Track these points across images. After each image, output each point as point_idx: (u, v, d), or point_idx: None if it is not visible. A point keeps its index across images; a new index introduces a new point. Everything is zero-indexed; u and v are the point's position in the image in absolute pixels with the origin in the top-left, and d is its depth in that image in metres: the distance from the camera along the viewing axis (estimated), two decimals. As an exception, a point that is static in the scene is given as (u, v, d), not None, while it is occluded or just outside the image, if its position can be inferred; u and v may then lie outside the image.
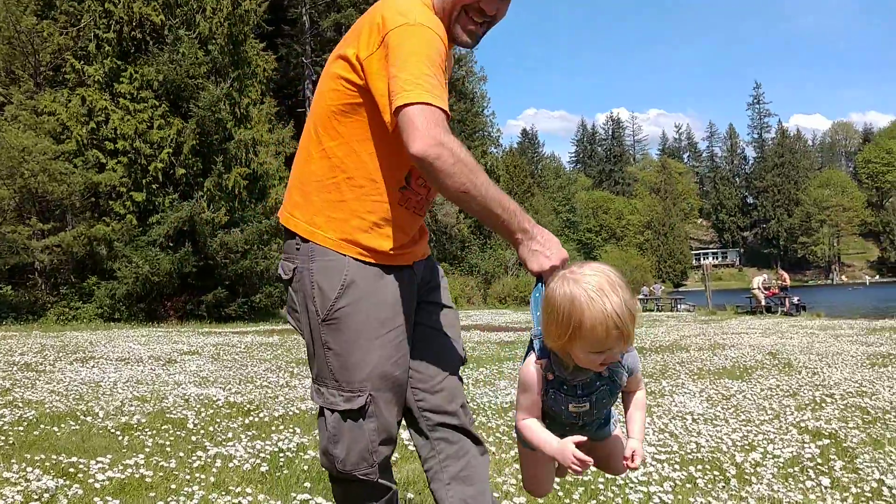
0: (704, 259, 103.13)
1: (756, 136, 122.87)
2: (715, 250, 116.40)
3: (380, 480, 2.06)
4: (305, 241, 2.03)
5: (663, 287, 44.01)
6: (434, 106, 1.78)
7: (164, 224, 23.03)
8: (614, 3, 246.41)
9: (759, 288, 27.05)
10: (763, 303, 26.49)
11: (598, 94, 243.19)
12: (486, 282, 43.93)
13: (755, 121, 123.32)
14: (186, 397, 6.26)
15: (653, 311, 33.23)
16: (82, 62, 23.99)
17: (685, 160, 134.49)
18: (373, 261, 2.02)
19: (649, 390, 6.71)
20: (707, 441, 4.41)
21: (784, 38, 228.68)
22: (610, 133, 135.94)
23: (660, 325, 19.73)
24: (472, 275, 44.18)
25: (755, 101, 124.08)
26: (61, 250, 23.08)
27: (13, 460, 3.92)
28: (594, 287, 1.62)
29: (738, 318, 22.94)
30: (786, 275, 28.82)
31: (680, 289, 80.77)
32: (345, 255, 2.00)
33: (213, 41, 24.52)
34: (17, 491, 3.30)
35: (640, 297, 37.78)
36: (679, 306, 34.11)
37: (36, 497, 3.22)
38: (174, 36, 23.84)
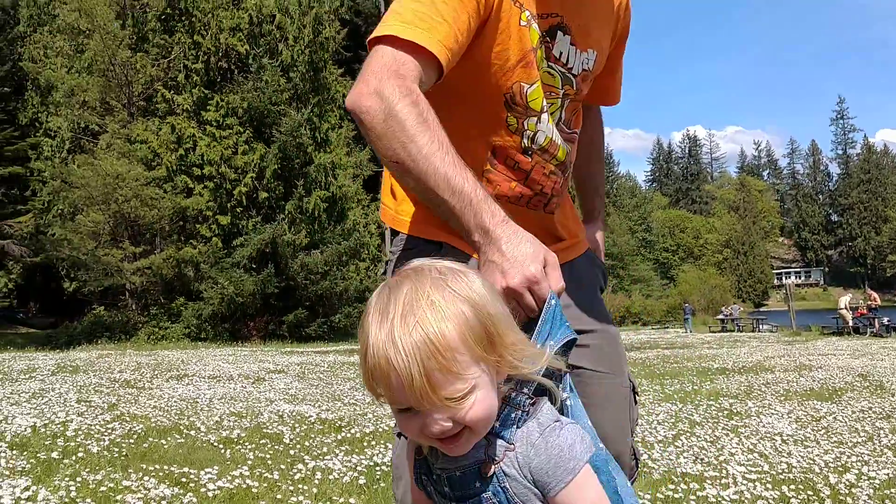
0: (787, 278, 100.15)
1: (840, 151, 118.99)
2: (797, 269, 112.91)
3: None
4: (396, 232, 1.67)
5: (742, 308, 42.93)
6: (402, 40, 1.32)
7: (248, 246, 23.81)
8: (690, 19, 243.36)
9: (846, 308, 26.18)
10: (851, 323, 25.61)
11: (673, 111, 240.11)
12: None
13: (839, 136, 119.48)
14: (280, 413, 6.52)
15: (733, 331, 32.48)
16: (172, 92, 25.13)
17: (765, 178, 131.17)
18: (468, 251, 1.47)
19: (735, 410, 6.66)
20: (798, 462, 4.39)
21: (868, 50, 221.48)
22: (686, 151, 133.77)
23: (741, 346, 19.32)
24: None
25: (839, 116, 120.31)
26: (151, 272, 24.10)
27: (130, 470, 4.20)
28: (386, 301, 1.03)
29: (824, 339, 22.24)
30: (875, 294, 27.81)
31: (761, 309, 78.54)
32: (430, 242, 1.58)
33: (295, 69, 25.36)
34: (139, 498, 3.55)
35: (720, 317, 36.97)
36: (761, 326, 33.25)
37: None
38: (258, 64, 24.77)
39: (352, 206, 28.62)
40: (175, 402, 7.33)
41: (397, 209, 1.65)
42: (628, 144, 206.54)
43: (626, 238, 75.66)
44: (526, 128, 1.57)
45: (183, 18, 25.32)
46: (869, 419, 6.06)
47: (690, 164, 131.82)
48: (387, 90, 1.26)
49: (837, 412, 6.47)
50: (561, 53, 1.58)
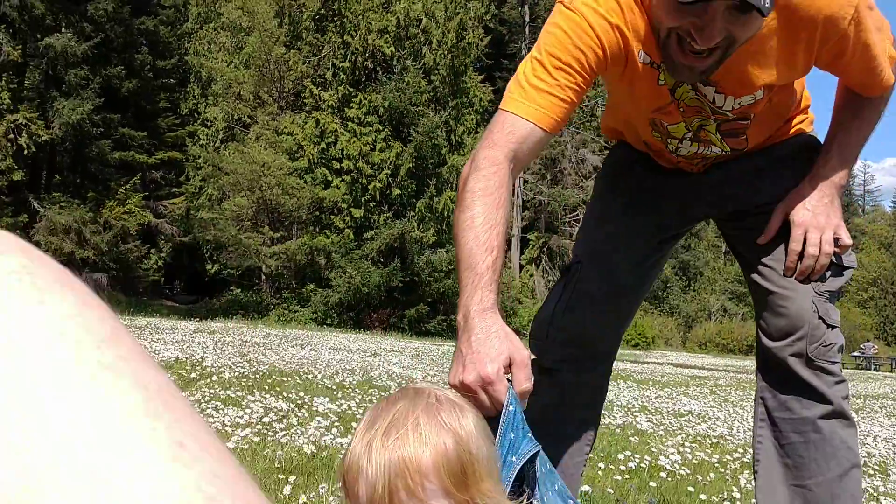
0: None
1: None
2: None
3: (552, 367, 1.79)
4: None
5: (876, 346, 40.37)
6: (505, 111, 1.55)
7: (378, 240, 24.74)
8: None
9: None
10: None
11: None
12: (687, 325, 42.64)
13: None
14: (390, 373, 7.02)
15: (868, 370, 30.77)
16: (319, 88, 26.50)
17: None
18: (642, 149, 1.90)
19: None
20: (881, 452, 4.44)
21: None
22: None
23: (872, 381, 18.46)
24: (672, 316, 43.08)
25: None
26: (286, 257, 25.46)
27: (255, 390, 4.76)
28: (377, 413, 1.06)
29: (968, 385, 20.85)
30: None
31: (907, 354, 73.32)
32: (620, 145, 1.98)
33: (436, 72, 26.17)
34: (261, 406, 4.08)
35: (854, 354, 35.06)
36: (901, 368, 31.32)
37: (273, 412, 3.98)
38: (401, 66, 25.73)
39: (480, 210, 29.15)
40: (297, 358, 7.99)
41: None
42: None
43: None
44: (668, 144, 1.79)
45: (335, 19, 26.67)
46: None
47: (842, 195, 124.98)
48: (478, 157, 1.51)
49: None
50: (705, 95, 1.66)
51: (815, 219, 1.64)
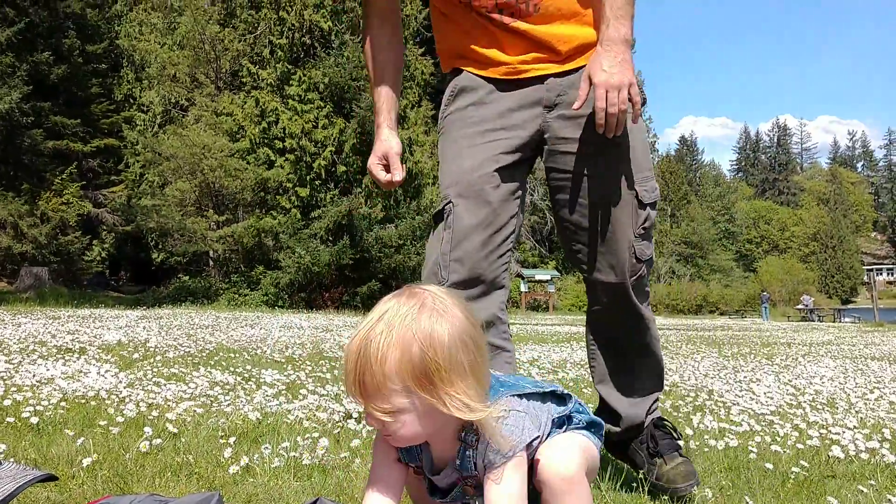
0: (878, 275, 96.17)
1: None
2: (890, 266, 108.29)
3: None
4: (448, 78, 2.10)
5: (813, 298, 41.69)
6: None
7: (325, 218, 24.47)
8: (783, 7, 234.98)
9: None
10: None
11: (763, 101, 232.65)
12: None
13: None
14: (341, 345, 6.94)
15: (813, 321, 31.68)
16: (257, 67, 25.98)
17: (858, 169, 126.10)
18: (482, 73, 1.97)
19: (784, 365, 6.73)
20: (828, 390, 4.53)
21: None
22: (775, 141, 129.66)
23: (817, 331, 18.96)
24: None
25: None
26: (233, 241, 25.06)
27: (200, 367, 4.64)
28: (374, 309, 1.26)
29: (906, 330, 21.58)
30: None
31: (848, 306, 75.83)
32: (461, 70, 2.01)
33: (375, 45, 25.86)
34: (206, 381, 3.97)
35: (799, 307, 36.09)
36: (843, 318, 32.34)
37: (219, 385, 3.87)
38: (340, 41, 25.35)
39: (428, 183, 28.99)
40: (247, 337, 7.85)
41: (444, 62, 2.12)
42: (714, 132, 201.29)
43: (706, 227, 74.00)
44: None
45: (269, -5, 26.15)
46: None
47: (779, 153, 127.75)
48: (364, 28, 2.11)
49: (889, 367, 6.50)
50: None
51: (611, 79, 1.78)
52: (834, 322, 31.21)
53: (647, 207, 1.95)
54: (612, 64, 1.79)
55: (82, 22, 31.33)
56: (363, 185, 25.34)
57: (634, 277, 1.98)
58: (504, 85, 1.96)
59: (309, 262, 23.81)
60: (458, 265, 1.87)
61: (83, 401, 3.21)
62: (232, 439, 2.40)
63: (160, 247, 27.72)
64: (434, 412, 1.20)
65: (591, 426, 1.46)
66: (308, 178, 25.17)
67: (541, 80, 1.94)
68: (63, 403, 3.06)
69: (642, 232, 1.95)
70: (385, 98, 2.07)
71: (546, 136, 1.97)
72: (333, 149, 25.07)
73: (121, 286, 34.93)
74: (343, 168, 25.24)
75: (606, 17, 1.83)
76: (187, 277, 27.58)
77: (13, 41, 26.20)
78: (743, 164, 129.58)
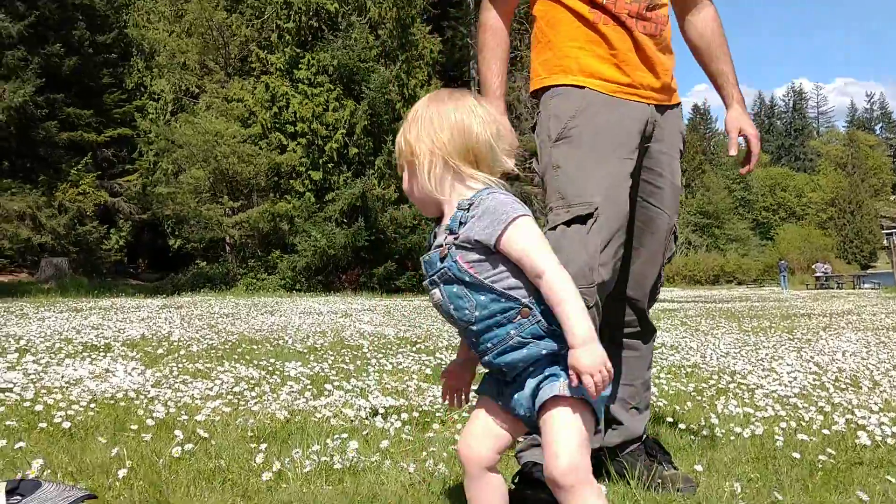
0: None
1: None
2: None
3: (594, 310, 1.97)
4: (544, 90, 2.20)
5: (827, 265, 41.37)
6: None
7: (339, 201, 24.51)
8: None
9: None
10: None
11: (777, 64, 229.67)
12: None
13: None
14: (362, 332, 6.98)
15: (832, 288, 31.48)
16: (266, 52, 25.94)
17: (877, 132, 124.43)
18: (605, 91, 2.13)
19: (806, 339, 6.71)
20: (850, 367, 4.51)
21: None
22: (791, 105, 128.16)
23: (837, 300, 18.85)
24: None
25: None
26: (249, 226, 25.17)
27: (225, 361, 4.69)
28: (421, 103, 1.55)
29: (928, 295, 21.43)
30: None
31: (868, 270, 75.23)
32: (583, 87, 2.13)
33: (383, 26, 25.71)
34: (231, 376, 4.01)
35: (817, 275, 35.82)
36: (863, 284, 32.10)
37: (244, 381, 3.92)
38: (347, 22, 25.23)
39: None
40: (267, 325, 7.91)
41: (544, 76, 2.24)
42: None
43: (722, 196, 73.45)
44: None
45: (275, -22, 26.00)
46: (941, 342, 6.05)
47: (795, 118, 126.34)
48: (480, 16, 2.30)
49: (911, 339, 6.47)
50: None
51: (755, 129, 2.31)
52: (854, 289, 31.00)
53: (676, 240, 2.31)
54: (748, 119, 2.33)
55: (91, 12, 31.32)
56: (376, 167, 25.34)
57: (653, 301, 2.31)
58: (619, 105, 2.14)
59: (325, 244, 23.90)
60: (603, 269, 2.00)
61: (112, 401, 3.26)
62: (262, 444, 2.44)
63: (177, 234, 27.88)
64: (416, 175, 1.47)
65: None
66: (321, 161, 25.19)
67: (646, 105, 2.18)
68: (93, 405, 3.11)
69: (666, 262, 2.30)
70: (502, 86, 2.26)
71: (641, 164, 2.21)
72: (345, 131, 25.04)
73: (140, 274, 35.17)
74: (355, 150, 25.22)
75: (730, 80, 2.35)
76: (205, 264, 27.74)
77: (25, 35, 26.27)
78: (759, 130, 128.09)
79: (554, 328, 1.38)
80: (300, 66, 25.24)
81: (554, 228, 2.02)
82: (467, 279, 1.40)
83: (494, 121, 1.48)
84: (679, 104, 2.33)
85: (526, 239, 1.37)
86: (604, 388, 1.32)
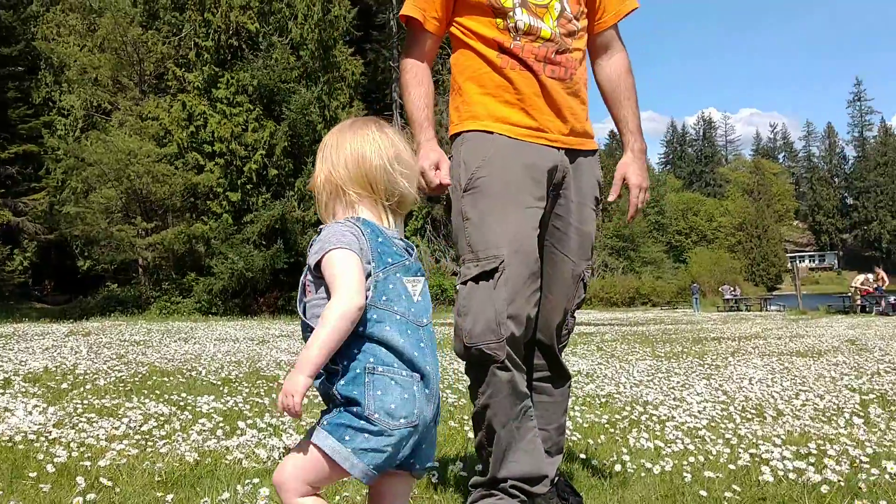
0: (800, 262, 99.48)
1: (857, 134, 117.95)
2: (812, 253, 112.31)
3: (506, 362, 2.03)
4: (457, 135, 2.26)
5: (734, 288, 43.10)
6: (403, 16, 2.28)
7: (258, 223, 24.14)
8: (705, 2, 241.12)
9: (858, 286, 26.29)
10: (859, 302, 25.72)
11: (687, 94, 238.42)
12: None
13: (856, 119, 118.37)
14: (278, 362, 6.85)
15: (741, 310, 32.63)
16: (183, 69, 25.44)
17: (780, 160, 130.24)
18: (512, 135, 2.17)
19: (715, 365, 6.92)
20: (756, 395, 4.67)
21: (886, 34, 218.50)
22: (701, 133, 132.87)
23: (745, 322, 19.52)
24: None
25: (856, 98, 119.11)
26: (163, 248, 24.50)
27: (133, 396, 4.53)
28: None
29: (829, 317, 22.41)
30: (884, 274, 27.80)
31: (774, 293, 78.31)
32: (490, 133, 2.18)
33: (305, 47, 25.56)
34: (140, 413, 3.87)
35: (727, 297, 37.09)
36: (769, 306, 33.39)
37: (154, 418, 3.78)
38: (268, 42, 25.00)
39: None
40: (180, 355, 7.68)
41: (458, 123, 2.29)
42: (642, 127, 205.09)
43: (637, 220, 75.32)
44: (505, 18, 2.17)
45: (194, -4, 25.55)
46: (839, 369, 6.32)
47: (705, 146, 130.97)
48: (402, 63, 2.30)
49: (812, 364, 6.74)
50: None
51: (643, 183, 2.37)
52: (761, 311, 32.19)
53: (586, 290, 2.33)
54: (642, 170, 2.38)
55: (-4, 24, 30.15)
56: (295, 188, 25.08)
57: (561, 345, 2.34)
58: (527, 149, 2.17)
59: (242, 267, 23.47)
60: (512, 322, 2.03)
61: (10, 444, 3.10)
62: (170, 494, 2.35)
63: (86, 255, 26.89)
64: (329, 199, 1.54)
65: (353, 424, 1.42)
66: (239, 182, 24.77)
67: (557, 149, 2.21)
68: (-12, 449, 2.95)
69: (575, 308, 2.32)
70: (429, 117, 2.25)
71: (548, 209, 2.24)
72: (264, 152, 24.72)
73: (45, 296, 33.83)
74: (275, 171, 24.92)
75: (633, 130, 2.42)
76: (116, 286, 26.84)
77: (-78, 45, 25.07)
78: (671, 156, 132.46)
79: (335, 367, 1.42)
80: (219, 84, 24.83)
81: (465, 283, 2.07)
82: (304, 298, 1.49)
83: (393, 146, 1.52)
84: (595, 151, 2.36)
85: (332, 269, 1.40)
86: (285, 413, 1.38)
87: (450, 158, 2.24)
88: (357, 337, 1.40)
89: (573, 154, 2.25)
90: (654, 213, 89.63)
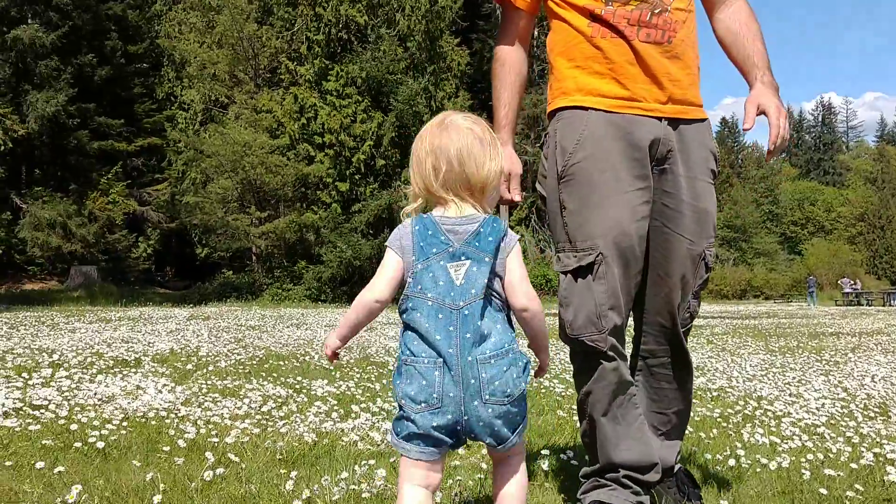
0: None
1: None
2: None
3: (609, 352, 2.03)
4: (552, 114, 2.17)
5: (854, 281, 40.87)
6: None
7: (366, 212, 24.66)
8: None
9: None
10: None
11: (806, 78, 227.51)
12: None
13: None
14: (387, 348, 7.02)
15: (862, 305, 31.06)
16: (295, 63, 26.23)
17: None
18: (604, 108, 2.07)
19: (834, 361, 6.65)
20: (880, 393, 4.47)
21: None
22: (820, 119, 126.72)
23: (866, 317, 18.61)
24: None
25: None
26: (275, 236, 25.37)
27: (252, 378, 4.75)
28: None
29: (960, 314, 21.08)
30: None
31: (898, 287, 74.02)
32: (584, 108, 2.08)
33: (412, 38, 25.89)
34: (259, 395, 4.06)
35: (846, 290, 35.35)
36: (893, 301, 31.65)
37: (272, 399, 3.96)
38: (376, 35, 25.44)
39: (466, 174, 29.05)
40: (293, 340, 7.97)
41: (552, 98, 2.22)
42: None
43: (750, 210, 72.71)
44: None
45: (305, -9, 26.29)
46: (973, 368, 5.96)
47: (824, 132, 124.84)
48: (494, 52, 2.28)
49: (943, 363, 6.38)
50: None
51: (782, 109, 2.08)
52: (884, 306, 30.57)
53: (708, 271, 2.17)
54: (777, 101, 2.10)
55: (124, 23, 31.83)
56: (403, 178, 25.47)
57: (684, 329, 2.18)
58: (624, 122, 2.06)
59: (350, 255, 24.03)
60: (613, 313, 2.02)
61: (144, 420, 3.32)
62: (292, 471, 2.47)
63: (204, 243, 28.19)
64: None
65: None
66: (348, 172, 25.37)
67: (657, 119, 2.08)
68: (125, 424, 3.17)
69: (698, 290, 2.17)
70: (511, 118, 2.22)
71: (655, 186, 2.11)
72: (372, 143, 25.21)
73: (167, 282, 35.56)
74: (382, 162, 25.38)
75: (759, 66, 2.17)
76: (231, 273, 28.03)
77: (58, 45, 26.74)
78: (787, 144, 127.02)
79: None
80: (329, 77, 25.47)
81: (565, 274, 2.06)
82: None
83: (449, 139, 1.61)
84: (704, 119, 2.19)
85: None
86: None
87: (545, 136, 2.20)
88: (403, 329, 1.60)
89: (677, 124, 2.10)
90: (767, 202, 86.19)
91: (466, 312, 1.52)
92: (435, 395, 1.50)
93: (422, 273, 1.55)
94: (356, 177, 25.48)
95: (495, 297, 1.56)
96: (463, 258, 1.55)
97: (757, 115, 2.07)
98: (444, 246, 1.55)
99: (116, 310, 14.47)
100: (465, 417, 1.51)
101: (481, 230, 1.56)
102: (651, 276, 2.14)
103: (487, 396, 1.50)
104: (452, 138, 1.60)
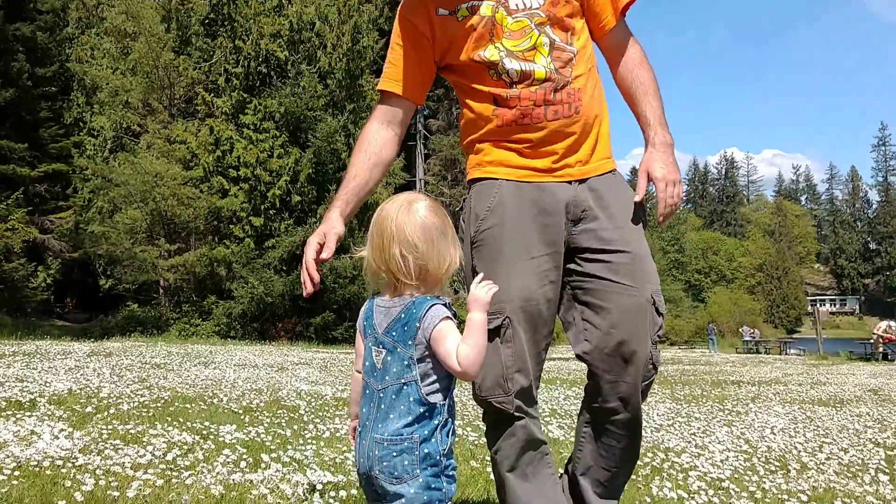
0: (821, 305, 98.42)
1: (881, 179, 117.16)
2: (832, 297, 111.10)
3: (516, 414, 2.06)
4: (469, 183, 2.22)
5: (754, 330, 42.65)
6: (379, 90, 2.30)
7: (279, 248, 24.31)
8: (729, 41, 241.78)
9: (880, 333, 25.88)
10: (881, 349, 25.33)
11: (710, 133, 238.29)
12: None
13: (880, 163, 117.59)
14: (299, 391, 6.87)
15: (760, 353, 32.29)
16: (212, 94, 25.84)
17: (802, 202, 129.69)
18: (516, 178, 2.11)
19: (736, 411, 6.86)
20: (779, 445, 4.62)
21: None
22: (723, 173, 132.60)
23: (764, 366, 19.33)
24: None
25: (880, 142, 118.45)
26: (185, 270, 24.70)
27: (157, 422, 4.56)
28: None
29: (850, 364, 22.11)
30: (909, 322, 27.46)
31: (793, 335, 77.46)
32: (496, 179, 2.14)
33: (332, 76, 25.93)
34: (163, 441, 3.90)
35: (746, 339, 36.75)
36: (789, 350, 33.02)
37: (178, 446, 3.81)
38: (296, 70, 25.38)
39: (382, 213, 29.05)
40: (201, 380, 7.72)
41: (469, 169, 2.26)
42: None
43: (657, 257, 75.06)
44: (495, 70, 2.11)
45: (225, 23, 26.04)
46: (863, 421, 6.25)
47: (727, 185, 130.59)
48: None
49: (835, 415, 6.66)
50: (517, 4, 2.10)
51: (668, 175, 2.13)
52: (780, 354, 31.84)
53: (661, 316, 2.11)
54: (667, 163, 2.14)
55: (32, 45, 30.79)
56: (318, 215, 25.26)
57: (646, 382, 2.10)
58: (534, 191, 2.10)
59: (262, 292, 23.60)
60: (519, 375, 2.05)
61: (38, 469, 3.13)
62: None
63: (108, 274, 27.18)
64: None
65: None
66: (262, 207, 25.02)
67: (565, 185, 2.12)
68: (16, 473, 2.98)
69: (657, 339, 2.11)
70: (352, 191, 2.20)
71: (572, 246, 2.12)
72: (288, 178, 24.99)
73: (67, 314, 34.08)
74: (298, 198, 25.15)
75: (652, 124, 2.18)
76: (136, 306, 27.05)
77: (-40, 64, 25.65)
78: (692, 195, 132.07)
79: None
80: (246, 110, 25.21)
81: None
82: None
83: (375, 233, 1.70)
84: (613, 170, 2.21)
85: None
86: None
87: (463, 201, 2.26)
88: None
89: (591, 182, 2.14)
90: (674, 251, 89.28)
91: (381, 395, 1.63)
92: (359, 460, 1.66)
93: (367, 350, 1.69)
94: (271, 212, 25.15)
95: (412, 384, 1.61)
96: (381, 347, 1.65)
97: (647, 182, 2.16)
98: (370, 331, 1.68)
99: (11, 343, 13.71)
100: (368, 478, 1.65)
101: (402, 316, 1.63)
102: (600, 333, 2.07)
103: (377, 472, 1.60)
104: (417, 227, 1.65)
